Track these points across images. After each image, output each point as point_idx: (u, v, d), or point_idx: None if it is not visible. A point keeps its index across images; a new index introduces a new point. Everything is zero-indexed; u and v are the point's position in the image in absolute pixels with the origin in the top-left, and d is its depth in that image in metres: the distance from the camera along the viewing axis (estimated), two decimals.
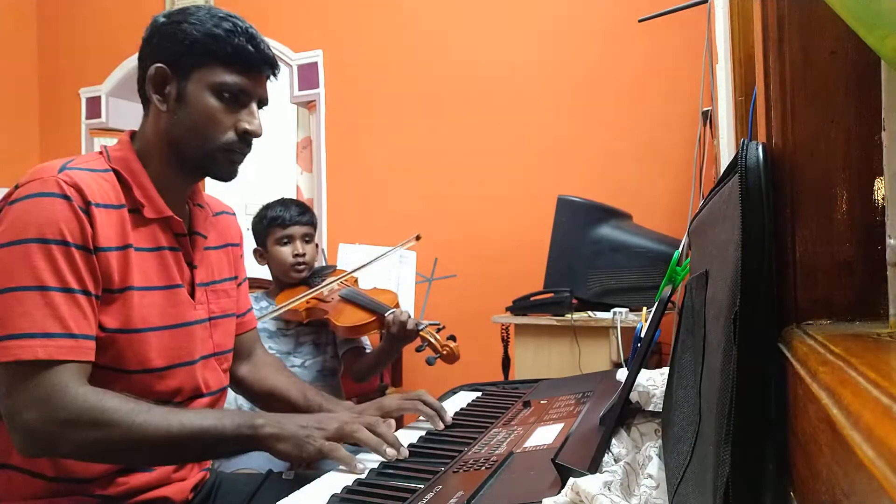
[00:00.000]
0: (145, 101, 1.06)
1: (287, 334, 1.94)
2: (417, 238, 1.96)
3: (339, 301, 1.94)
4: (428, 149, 3.28)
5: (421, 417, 1.15)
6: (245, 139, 1.05)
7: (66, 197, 0.91)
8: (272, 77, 1.09)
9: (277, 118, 4.45)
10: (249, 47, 1.02)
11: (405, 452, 0.93)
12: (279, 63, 1.09)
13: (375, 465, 0.89)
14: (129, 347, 0.97)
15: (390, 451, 0.91)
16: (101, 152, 1.04)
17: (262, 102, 1.08)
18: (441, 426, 1.10)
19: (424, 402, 1.15)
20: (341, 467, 0.92)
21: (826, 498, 0.34)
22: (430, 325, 1.79)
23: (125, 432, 0.89)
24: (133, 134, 1.08)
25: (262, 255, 2.00)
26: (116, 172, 1.01)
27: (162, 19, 1.04)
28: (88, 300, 0.92)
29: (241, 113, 1.04)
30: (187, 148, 1.03)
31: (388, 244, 2.57)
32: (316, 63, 3.51)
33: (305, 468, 1.68)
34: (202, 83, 1.01)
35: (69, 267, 0.90)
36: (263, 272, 2.15)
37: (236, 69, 1.02)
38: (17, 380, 0.87)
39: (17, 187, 0.94)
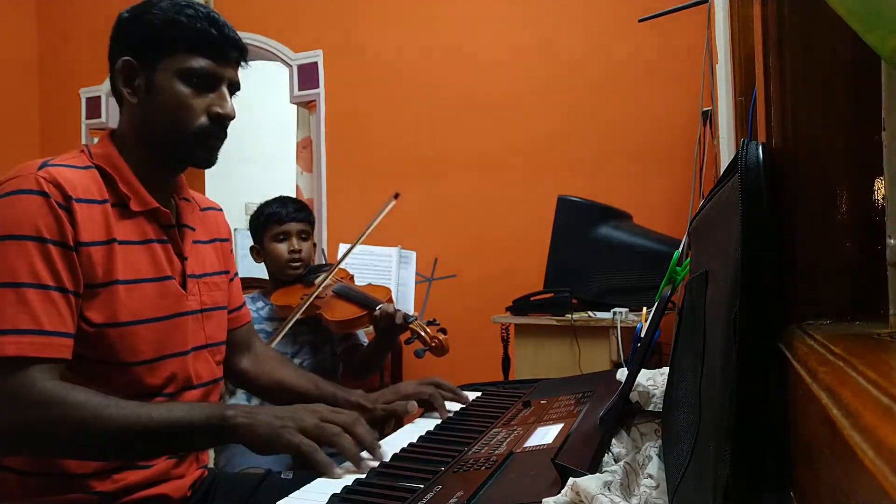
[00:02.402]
0: (119, 98, 1.07)
1: (284, 333, 1.94)
2: (396, 196, 1.94)
3: (331, 297, 1.95)
4: (428, 148, 3.28)
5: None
6: (219, 123, 1.05)
7: (44, 193, 0.91)
8: (243, 63, 1.10)
9: (277, 118, 4.45)
10: (212, 30, 1.03)
11: (381, 455, 0.90)
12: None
13: (376, 464, 0.89)
14: (119, 341, 0.97)
15: (364, 466, 0.87)
16: (82, 150, 1.05)
17: (234, 87, 1.08)
18: (446, 413, 1.14)
19: (441, 388, 1.20)
20: (341, 466, 0.92)
21: (826, 498, 0.34)
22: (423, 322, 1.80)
23: (91, 426, 0.88)
24: (113, 132, 1.08)
25: (258, 252, 2.01)
26: (100, 169, 1.02)
27: (126, 14, 1.06)
28: (65, 297, 0.92)
29: (212, 97, 1.04)
30: (162, 137, 1.04)
31: (388, 244, 2.58)
32: (316, 63, 3.51)
33: (301, 467, 1.68)
34: (169, 71, 1.02)
35: (45, 264, 0.90)
36: (260, 272, 2.15)
37: (201, 53, 1.03)
38: None
39: None
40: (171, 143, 1.04)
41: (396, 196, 1.93)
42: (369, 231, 1.95)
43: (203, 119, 1.04)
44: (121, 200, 1.02)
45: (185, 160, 1.08)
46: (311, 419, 0.91)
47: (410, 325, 1.77)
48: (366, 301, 1.87)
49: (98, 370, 0.95)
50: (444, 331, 1.75)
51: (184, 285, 1.08)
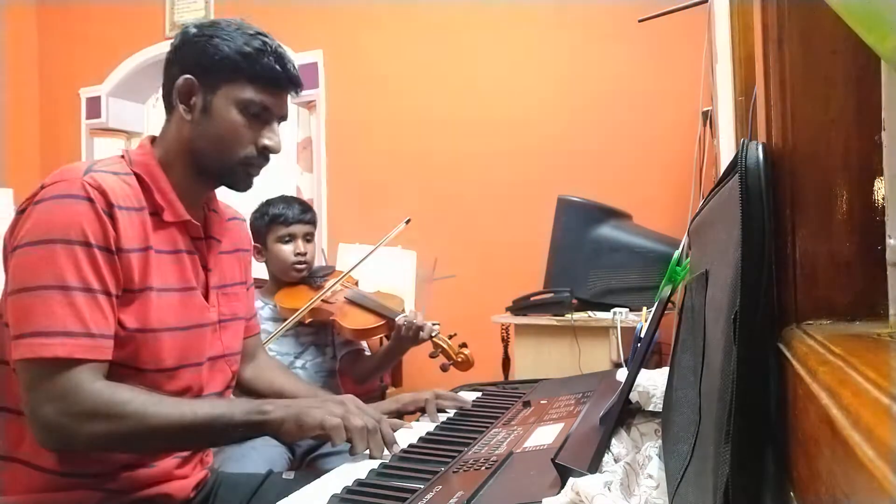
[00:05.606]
0: (169, 107, 1.09)
1: (287, 335, 1.94)
2: (407, 222, 1.96)
3: (344, 302, 1.94)
4: (428, 148, 3.28)
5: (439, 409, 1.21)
6: (264, 154, 1.08)
7: (89, 199, 0.94)
8: (294, 94, 1.12)
9: None
10: (278, 67, 1.05)
11: (396, 448, 0.97)
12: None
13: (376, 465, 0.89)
14: (144, 346, 0.99)
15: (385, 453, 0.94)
16: (122, 156, 1.07)
17: (283, 118, 1.12)
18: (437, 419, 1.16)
19: (440, 396, 1.22)
20: (341, 467, 0.92)
21: (826, 498, 0.34)
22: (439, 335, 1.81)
23: (138, 423, 0.92)
24: (154, 139, 1.10)
25: (260, 251, 1.98)
26: (138, 176, 1.04)
27: (193, 30, 1.07)
28: (109, 300, 0.95)
29: (263, 129, 1.07)
30: (208, 158, 1.06)
31: (388, 244, 2.57)
32: (316, 63, 3.51)
33: (299, 466, 1.68)
34: (229, 98, 1.04)
35: (91, 268, 0.93)
36: (258, 270, 2.14)
37: (263, 87, 1.05)
38: (37, 376, 0.90)
39: (42, 187, 0.96)
40: (215, 165, 1.07)
41: (407, 221, 1.98)
42: (376, 248, 2.01)
43: (251, 149, 1.06)
44: (155, 209, 1.04)
45: (224, 182, 1.11)
46: (339, 410, 0.98)
47: (433, 339, 1.77)
48: (384, 311, 1.86)
49: (119, 374, 0.97)
50: (465, 345, 1.76)
51: (206, 296, 1.11)
